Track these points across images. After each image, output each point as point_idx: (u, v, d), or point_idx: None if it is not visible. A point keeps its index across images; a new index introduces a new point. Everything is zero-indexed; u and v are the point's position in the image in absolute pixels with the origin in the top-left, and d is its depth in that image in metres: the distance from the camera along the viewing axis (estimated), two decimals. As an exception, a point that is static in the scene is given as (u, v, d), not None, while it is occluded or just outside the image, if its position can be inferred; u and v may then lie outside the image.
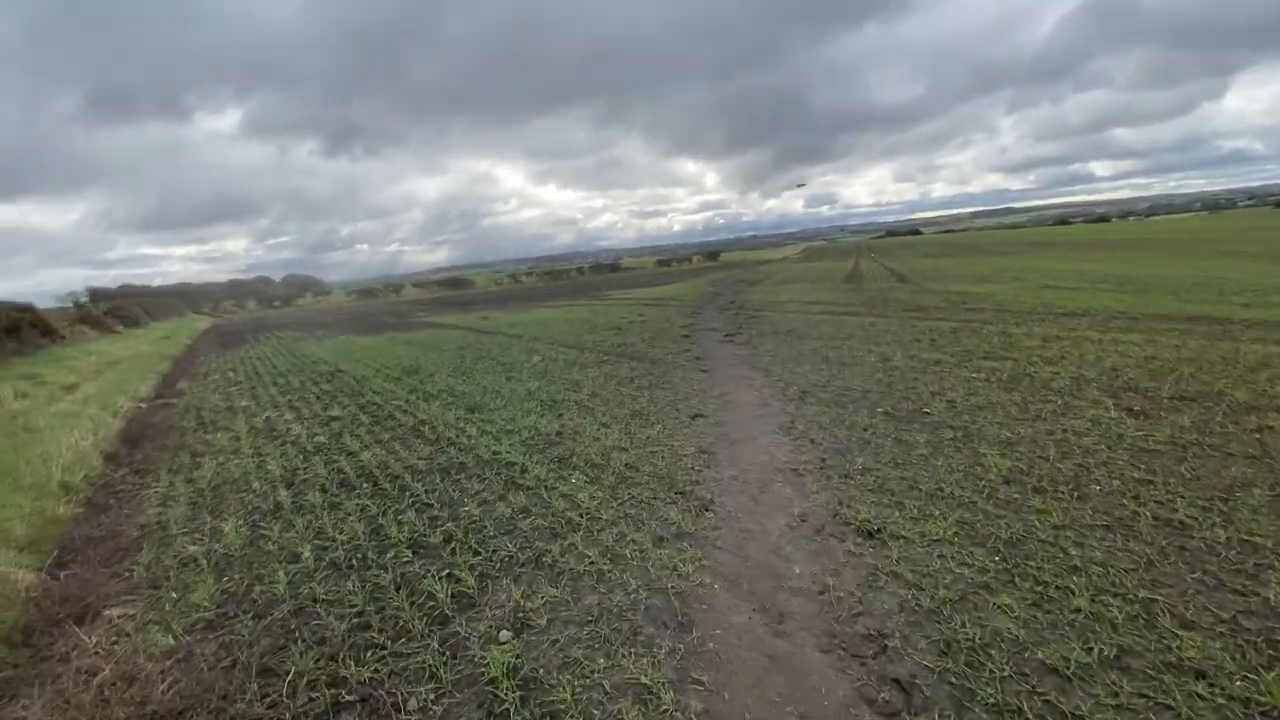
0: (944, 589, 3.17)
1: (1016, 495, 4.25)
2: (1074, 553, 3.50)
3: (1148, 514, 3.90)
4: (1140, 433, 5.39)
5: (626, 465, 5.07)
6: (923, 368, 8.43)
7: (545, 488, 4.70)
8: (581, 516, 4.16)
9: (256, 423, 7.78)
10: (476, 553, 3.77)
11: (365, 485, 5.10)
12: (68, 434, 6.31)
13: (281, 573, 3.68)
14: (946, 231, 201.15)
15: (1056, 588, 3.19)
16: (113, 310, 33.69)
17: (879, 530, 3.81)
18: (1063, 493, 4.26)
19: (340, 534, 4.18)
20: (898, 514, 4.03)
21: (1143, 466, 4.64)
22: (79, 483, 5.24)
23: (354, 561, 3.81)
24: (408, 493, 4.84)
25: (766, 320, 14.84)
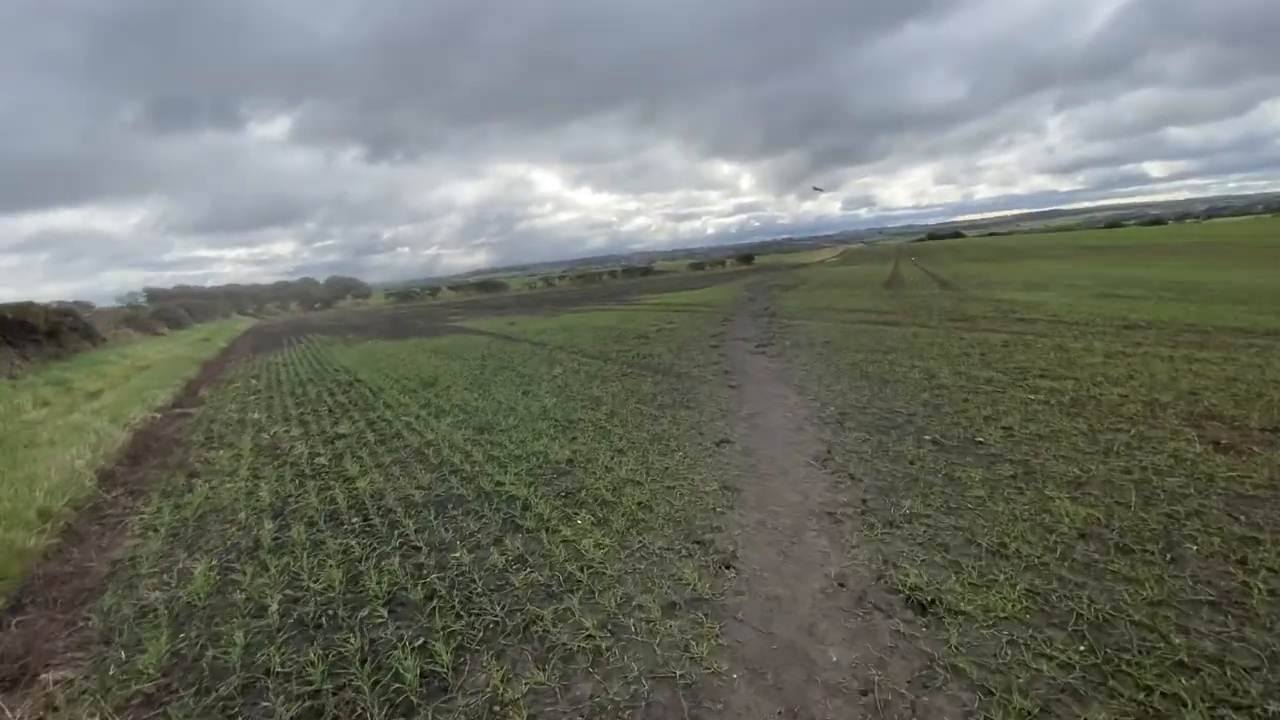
0: (1019, 694, 2.54)
1: (1096, 556, 3.58)
2: (1178, 642, 2.84)
3: (1261, 586, 3.20)
4: (1234, 473, 4.64)
5: (640, 504, 4.53)
6: (973, 387, 7.71)
7: (547, 530, 4.19)
8: (583, 571, 3.62)
9: (263, 439, 7.47)
10: (459, 615, 3.27)
11: (355, 520, 4.67)
12: (64, 451, 6.06)
13: (240, 633, 3.24)
14: (990, 234, 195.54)
15: (1163, 695, 2.54)
16: (158, 313, 34.56)
17: (933, 602, 3.19)
18: (1152, 554, 3.58)
19: (315, 582, 3.74)
20: (954, 579, 3.40)
21: (1243, 518, 3.93)
22: (61, 508, 4.93)
23: (323, 619, 3.35)
24: (397, 531, 4.38)
25: (801, 329, 14.16)
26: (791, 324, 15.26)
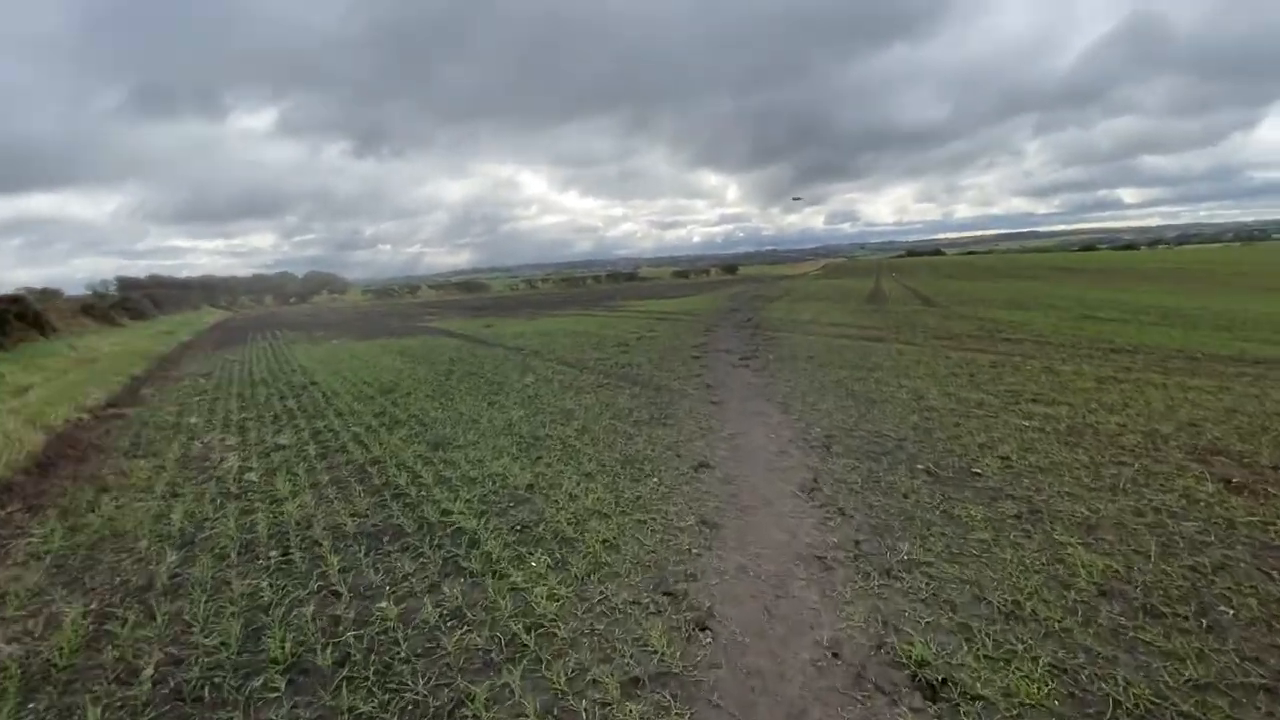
0: (1064, 825, 2.03)
1: (1123, 620, 3.10)
2: (1242, 747, 2.36)
3: (1319, 670, 2.75)
4: (1254, 518, 4.23)
5: (605, 542, 3.95)
6: (964, 410, 7.28)
7: (494, 574, 3.59)
8: (531, 631, 3.03)
9: (194, 448, 6.76)
10: (372, 691, 2.66)
11: (273, 553, 4.03)
12: (-46, 459, 5.35)
13: (98, 709, 2.61)
14: (969, 253, 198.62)
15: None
16: (121, 303, 33.16)
17: (945, 682, 2.67)
18: (1186, 619, 3.10)
19: (207, 637, 3.10)
20: (966, 649, 2.88)
21: (1276, 574, 3.49)
22: (-66, 530, 4.24)
23: (204, 691, 2.72)
24: (318, 571, 3.74)
25: (785, 342, 13.71)
26: (775, 337, 14.82)
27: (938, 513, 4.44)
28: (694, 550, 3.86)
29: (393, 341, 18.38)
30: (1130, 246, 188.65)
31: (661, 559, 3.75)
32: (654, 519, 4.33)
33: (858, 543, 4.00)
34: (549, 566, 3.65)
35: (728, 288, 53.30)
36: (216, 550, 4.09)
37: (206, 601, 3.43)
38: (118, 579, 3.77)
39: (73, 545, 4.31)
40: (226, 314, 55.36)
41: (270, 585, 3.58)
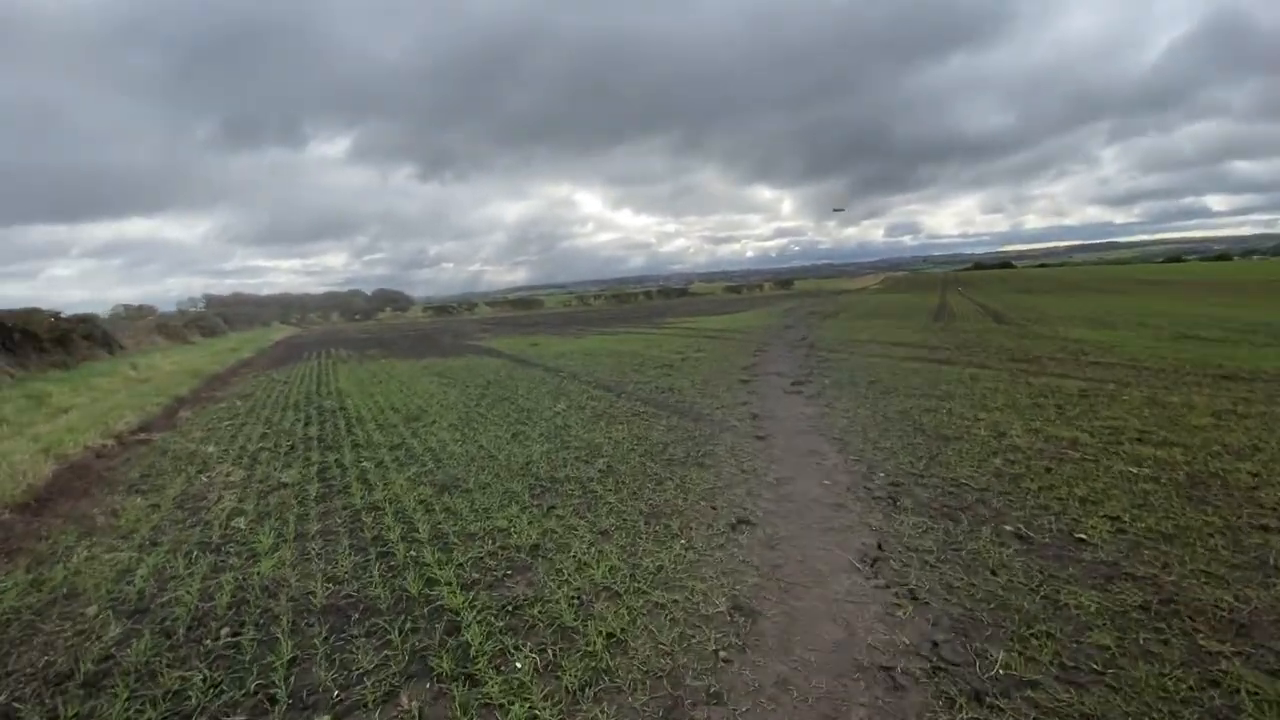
0: None
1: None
2: None
3: None
4: None
5: (611, 636, 3.16)
6: (1055, 452, 6.21)
7: (466, 680, 2.87)
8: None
9: (195, 485, 6.31)
10: None
11: (224, 630, 3.41)
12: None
13: None
14: (1042, 265, 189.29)
15: None
16: (195, 320, 34.61)
17: None
18: None
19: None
20: None
21: None
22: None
23: None
24: (264, 661, 3.09)
25: (843, 364, 12.66)
26: (831, 358, 13.77)
27: (1038, 599, 3.50)
28: (721, 654, 3.03)
29: (437, 362, 18.14)
30: (1223, 257, 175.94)
31: (680, 666, 2.94)
32: (676, 601, 3.52)
33: (935, 645, 3.11)
34: (535, 672, 2.90)
35: (781, 303, 51.88)
36: (165, 624, 3.52)
37: (124, 702, 2.83)
38: (44, 660, 3.23)
39: (22, 606, 3.84)
40: (294, 330, 57.47)
41: (204, 681, 2.95)
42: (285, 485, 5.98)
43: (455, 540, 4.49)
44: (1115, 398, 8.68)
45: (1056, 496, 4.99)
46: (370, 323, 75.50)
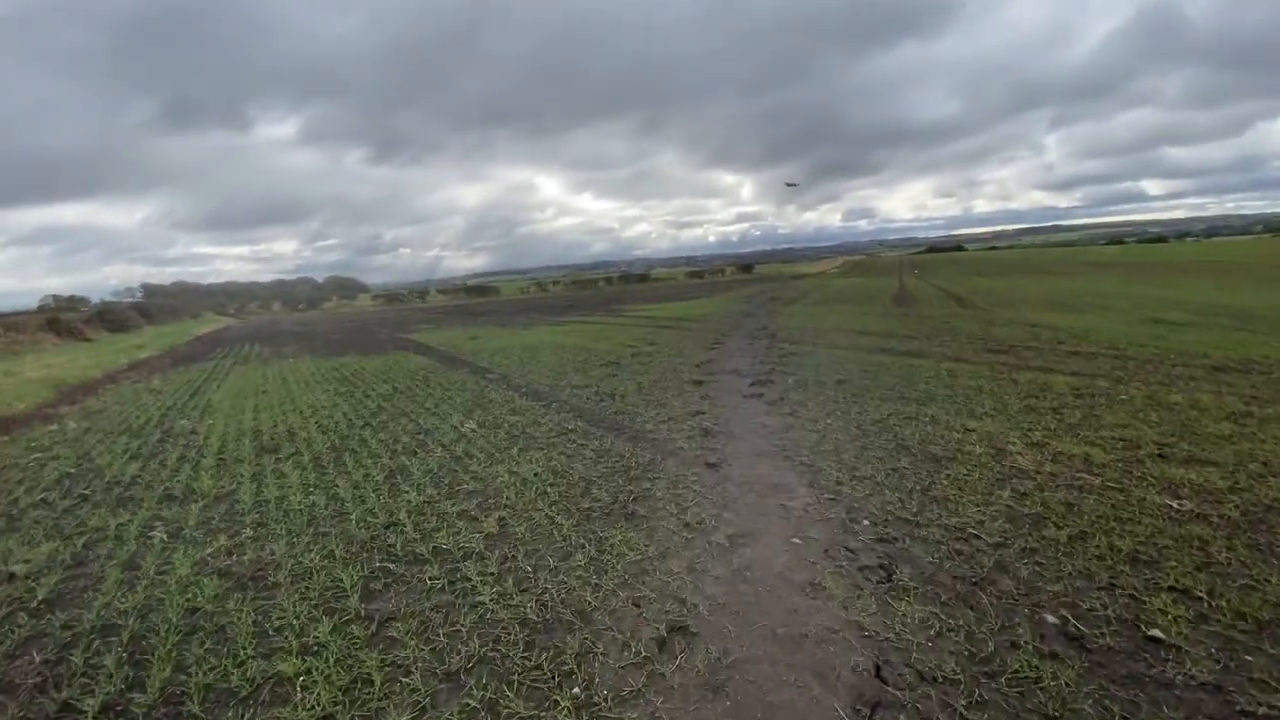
0: None
1: None
2: None
3: None
4: None
5: None
6: (1071, 478, 5.05)
7: None
8: None
9: None
10: None
11: None
12: None
13: None
14: (992, 248, 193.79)
15: None
16: (100, 314, 31.36)
17: None
18: None
19: None
20: None
21: None
22: None
23: None
24: None
25: (807, 359, 11.42)
26: (795, 351, 12.52)
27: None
28: None
29: (353, 361, 16.24)
30: (1159, 239, 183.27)
31: None
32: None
33: None
34: None
35: (743, 288, 50.87)
36: None
37: None
38: None
39: None
40: (226, 322, 53.96)
41: None
42: (12, 578, 4.21)
43: (216, 704, 2.85)
44: (1113, 398, 7.64)
45: (1096, 554, 3.77)
46: (315, 313, 71.78)
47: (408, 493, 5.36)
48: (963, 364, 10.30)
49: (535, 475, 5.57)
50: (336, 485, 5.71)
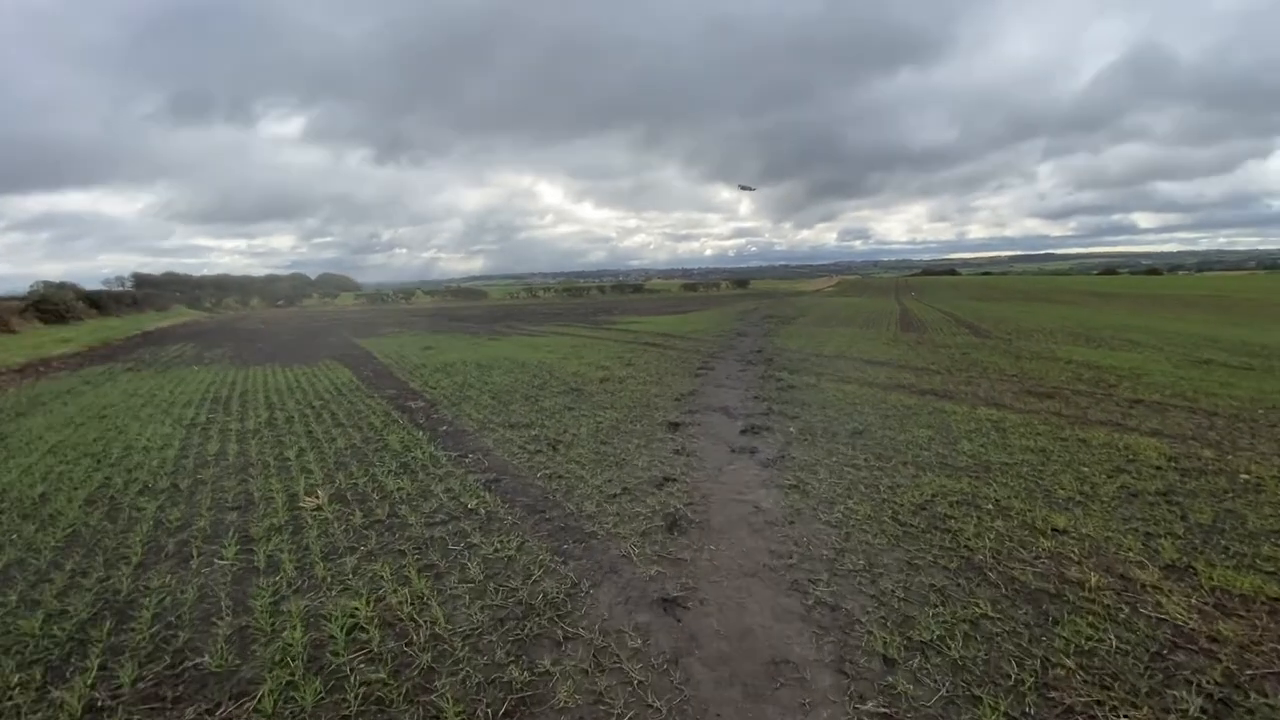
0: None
1: None
2: None
3: None
4: None
5: None
6: (1270, 660, 2.86)
7: None
8: None
9: None
10: None
11: None
12: None
13: None
14: (985, 274, 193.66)
15: None
16: (37, 303, 28.55)
17: None
18: None
19: None
20: None
21: None
22: None
23: None
24: None
25: (811, 395, 9.25)
26: (796, 384, 10.34)
27: None
28: None
29: (266, 373, 13.87)
30: (1153, 271, 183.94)
31: None
32: None
33: None
34: None
35: (737, 303, 48.75)
36: None
37: None
38: None
39: None
40: (193, 317, 51.23)
41: None
42: None
43: None
44: (1234, 478, 5.55)
45: None
46: (291, 310, 68.97)
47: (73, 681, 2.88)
48: (1005, 412, 8.16)
49: (350, 629, 3.20)
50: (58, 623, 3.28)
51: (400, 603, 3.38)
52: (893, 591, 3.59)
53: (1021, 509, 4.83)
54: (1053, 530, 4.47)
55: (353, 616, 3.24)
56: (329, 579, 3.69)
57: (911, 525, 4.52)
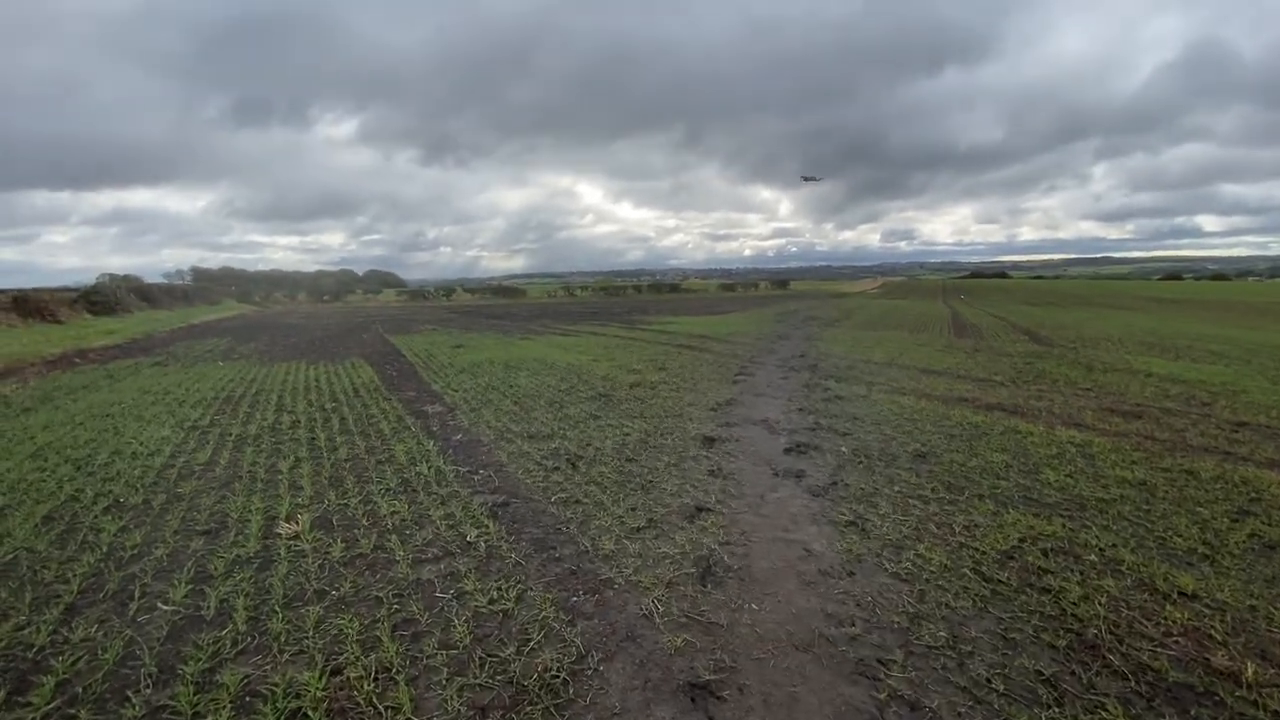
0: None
1: None
2: None
3: None
4: None
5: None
6: None
7: None
8: None
9: None
10: None
11: None
12: None
13: None
14: (1038, 277, 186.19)
15: None
16: (88, 295, 29.37)
17: None
18: None
19: None
20: None
21: None
22: None
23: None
24: None
25: (863, 407, 8.37)
26: (844, 394, 9.45)
27: None
28: None
29: (290, 369, 13.59)
30: (1220, 276, 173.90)
31: None
32: None
33: None
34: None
35: (778, 304, 47.44)
36: None
37: None
38: None
39: None
40: (241, 310, 52.48)
41: None
42: None
43: None
44: (1390, 528, 4.50)
45: None
46: (336, 305, 70.28)
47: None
48: (1090, 434, 7.16)
49: (288, 718, 2.52)
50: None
51: (360, 678, 2.71)
52: (988, 681, 2.78)
53: (1134, 563, 3.95)
54: (1180, 594, 3.59)
55: (297, 697, 2.58)
56: (283, 636, 3.05)
57: (1000, 581, 3.69)
